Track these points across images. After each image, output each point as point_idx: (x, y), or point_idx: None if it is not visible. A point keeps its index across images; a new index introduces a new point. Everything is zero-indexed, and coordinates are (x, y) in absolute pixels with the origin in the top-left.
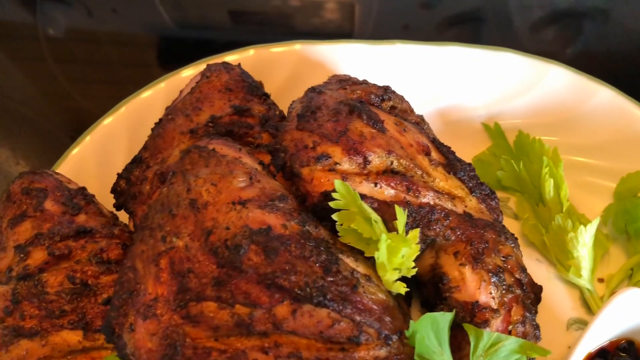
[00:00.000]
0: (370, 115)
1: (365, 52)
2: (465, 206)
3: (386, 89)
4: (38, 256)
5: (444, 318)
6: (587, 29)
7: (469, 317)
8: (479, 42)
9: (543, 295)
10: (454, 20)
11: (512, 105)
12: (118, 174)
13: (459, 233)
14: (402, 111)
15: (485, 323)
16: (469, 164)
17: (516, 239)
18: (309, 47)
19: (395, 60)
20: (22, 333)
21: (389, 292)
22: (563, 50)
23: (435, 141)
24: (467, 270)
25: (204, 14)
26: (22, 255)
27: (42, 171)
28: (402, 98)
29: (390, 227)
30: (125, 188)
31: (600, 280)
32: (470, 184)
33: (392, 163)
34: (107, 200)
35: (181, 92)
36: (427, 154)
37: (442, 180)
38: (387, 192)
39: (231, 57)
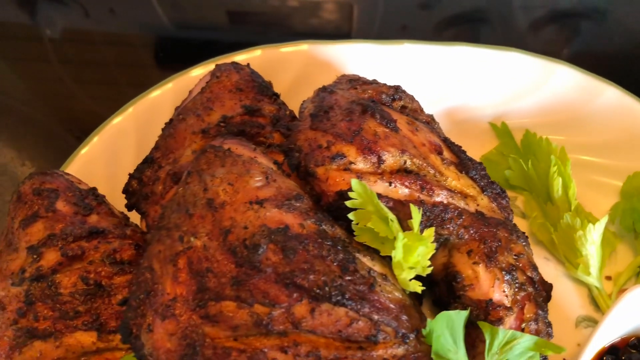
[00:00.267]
0: (383, 115)
1: (373, 52)
2: (478, 205)
3: (397, 88)
4: (51, 257)
5: (459, 316)
6: (585, 29)
7: (482, 315)
8: (477, 42)
9: (552, 293)
10: (453, 21)
11: (519, 104)
12: (130, 174)
13: (472, 232)
14: (412, 111)
15: (499, 321)
16: (480, 163)
17: (527, 237)
18: (317, 47)
19: (402, 60)
20: (35, 334)
21: (404, 291)
22: (562, 50)
23: (446, 140)
24: (481, 269)
25: (202, 14)
26: (35, 256)
27: (52, 172)
28: (412, 98)
29: (404, 226)
30: (137, 188)
31: (608, 278)
32: (482, 183)
33: (405, 162)
34: (116, 201)
35: (191, 92)
36: (439, 153)
37: (455, 179)
38: (401, 191)
39: (239, 57)
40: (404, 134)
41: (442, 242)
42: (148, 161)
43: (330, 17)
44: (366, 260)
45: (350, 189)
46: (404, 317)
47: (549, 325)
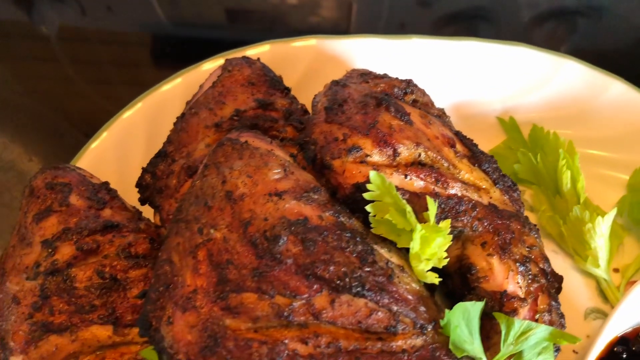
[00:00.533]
0: (398, 108)
1: (381, 47)
2: (490, 198)
3: (409, 82)
4: (66, 251)
5: (475, 307)
6: (583, 26)
7: (497, 306)
8: None
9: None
10: (451, 18)
11: (527, 99)
12: (143, 168)
13: (486, 224)
14: (423, 104)
15: (514, 312)
16: (491, 156)
17: (538, 229)
18: (325, 42)
19: (411, 55)
20: (51, 329)
21: (420, 283)
22: (559, 47)
23: (458, 134)
24: (495, 261)
25: (201, 12)
26: (49, 250)
27: (64, 166)
28: (423, 92)
29: (419, 219)
30: (151, 182)
31: (616, 270)
32: (494, 176)
33: (420, 155)
34: (126, 196)
35: (201, 86)
36: (452, 146)
37: (468, 172)
38: (416, 183)
39: (247, 52)
40: (417, 127)
41: (456, 235)
42: (161, 155)
43: (329, 14)
44: (384, 252)
45: (366, 182)
46: (422, 309)
47: (562, 316)
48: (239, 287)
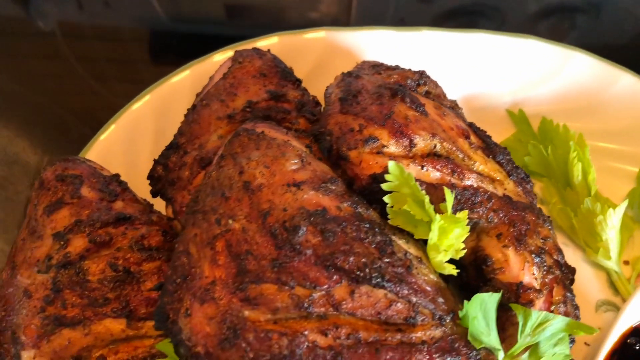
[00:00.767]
0: (413, 99)
1: (391, 39)
2: (505, 189)
3: (422, 73)
4: (78, 243)
5: (492, 299)
6: (581, 22)
7: (513, 298)
8: None
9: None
10: (450, 14)
11: (536, 91)
12: (155, 160)
13: (501, 215)
14: (436, 96)
15: (530, 303)
16: (505, 148)
17: (551, 221)
18: (334, 34)
19: (420, 47)
20: (64, 322)
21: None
22: (561, 42)
23: (472, 125)
24: (511, 252)
25: (200, 8)
26: (62, 243)
27: (74, 158)
28: (436, 83)
29: (436, 210)
30: (163, 174)
31: (626, 262)
32: (508, 168)
33: (435, 146)
34: (135, 189)
35: (211, 78)
36: (467, 137)
37: (482, 163)
38: (432, 174)
39: (255, 44)
40: (432, 118)
41: (471, 226)
42: (173, 147)
43: (328, 10)
44: (402, 243)
45: (383, 172)
46: (440, 300)
47: (577, 307)
48: (258, 278)
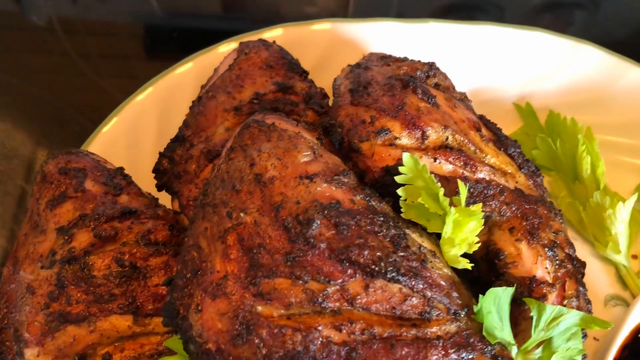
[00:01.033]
0: (425, 90)
1: (396, 31)
2: (517, 182)
3: (431, 65)
4: (83, 238)
5: (505, 293)
6: (579, 18)
7: (526, 292)
8: None
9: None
10: (449, 9)
11: (543, 85)
12: (160, 153)
13: (514, 209)
14: (445, 88)
15: (543, 298)
16: (515, 141)
17: (562, 214)
18: (340, 26)
19: (426, 39)
20: (69, 319)
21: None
22: None
23: (482, 118)
24: (524, 246)
25: (196, 2)
26: (66, 238)
27: (77, 151)
28: (445, 75)
29: (449, 203)
30: (169, 167)
31: (634, 257)
32: (519, 161)
33: (447, 138)
34: (138, 183)
35: (216, 69)
36: (478, 129)
37: (494, 156)
38: (445, 167)
39: (259, 36)
40: (444, 109)
41: (483, 220)
42: (179, 139)
43: (326, 4)
44: (416, 237)
45: (396, 165)
46: (455, 294)
47: (589, 302)
48: (271, 272)
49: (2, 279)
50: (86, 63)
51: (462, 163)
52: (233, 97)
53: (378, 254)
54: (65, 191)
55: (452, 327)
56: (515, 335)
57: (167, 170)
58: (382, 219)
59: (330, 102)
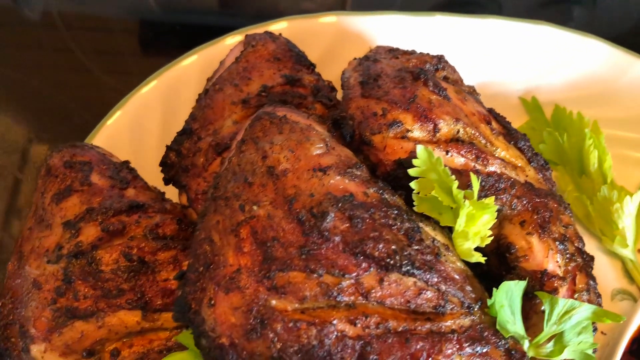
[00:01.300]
0: (436, 83)
1: (402, 24)
2: (527, 176)
3: (440, 58)
4: (90, 232)
5: (517, 286)
6: (577, 15)
7: (537, 286)
8: None
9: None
10: (447, 5)
11: (549, 79)
12: (167, 147)
13: (525, 202)
14: (454, 81)
15: (554, 291)
16: (524, 134)
17: (571, 209)
18: (345, 19)
19: (432, 33)
20: (76, 314)
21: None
22: None
23: (492, 111)
24: (535, 239)
25: None
26: (72, 232)
27: (82, 144)
28: (454, 68)
29: None
30: (176, 161)
31: None
32: (529, 154)
33: (458, 131)
34: (143, 177)
35: (222, 62)
36: (488, 123)
37: (504, 149)
38: (457, 160)
39: (264, 29)
40: (455, 102)
41: None
42: (186, 132)
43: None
44: (429, 230)
45: (409, 158)
46: (468, 288)
47: (599, 295)
48: (285, 265)
49: (7, 274)
50: (82, 58)
51: (473, 156)
52: (240, 90)
53: (392, 247)
54: (71, 185)
55: (466, 321)
56: (526, 329)
57: (174, 164)
58: (395, 212)
59: (338, 95)
